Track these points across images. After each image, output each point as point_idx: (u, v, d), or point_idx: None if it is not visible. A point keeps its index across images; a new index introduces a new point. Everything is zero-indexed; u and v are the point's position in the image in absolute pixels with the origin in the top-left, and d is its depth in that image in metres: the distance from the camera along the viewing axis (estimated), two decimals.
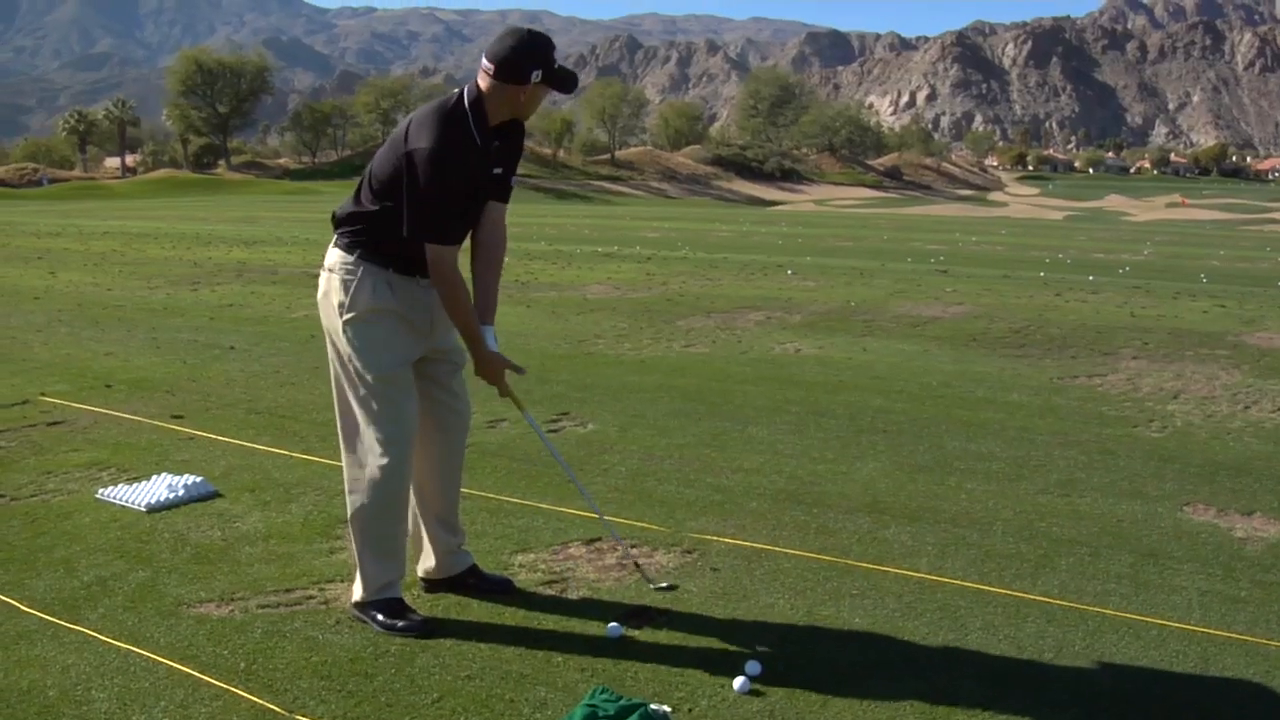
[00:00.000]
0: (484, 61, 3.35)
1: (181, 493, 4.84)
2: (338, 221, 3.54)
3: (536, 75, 3.31)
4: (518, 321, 10.90)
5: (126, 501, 4.76)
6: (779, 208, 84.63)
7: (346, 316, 3.43)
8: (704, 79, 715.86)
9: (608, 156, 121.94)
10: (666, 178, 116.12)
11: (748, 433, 6.33)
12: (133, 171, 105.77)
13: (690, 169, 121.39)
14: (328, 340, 3.56)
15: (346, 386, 3.50)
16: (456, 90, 3.41)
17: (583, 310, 12.06)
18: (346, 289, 3.44)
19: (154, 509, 4.69)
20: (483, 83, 3.35)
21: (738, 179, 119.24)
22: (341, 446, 3.56)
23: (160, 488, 4.87)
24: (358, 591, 3.56)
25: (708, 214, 57.87)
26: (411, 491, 3.69)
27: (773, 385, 7.82)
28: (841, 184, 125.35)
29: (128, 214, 41.59)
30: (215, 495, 4.94)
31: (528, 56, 3.30)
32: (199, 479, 5.02)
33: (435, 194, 3.24)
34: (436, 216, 3.27)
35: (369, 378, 3.43)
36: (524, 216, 40.23)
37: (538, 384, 7.64)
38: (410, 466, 3.55)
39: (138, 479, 5.11)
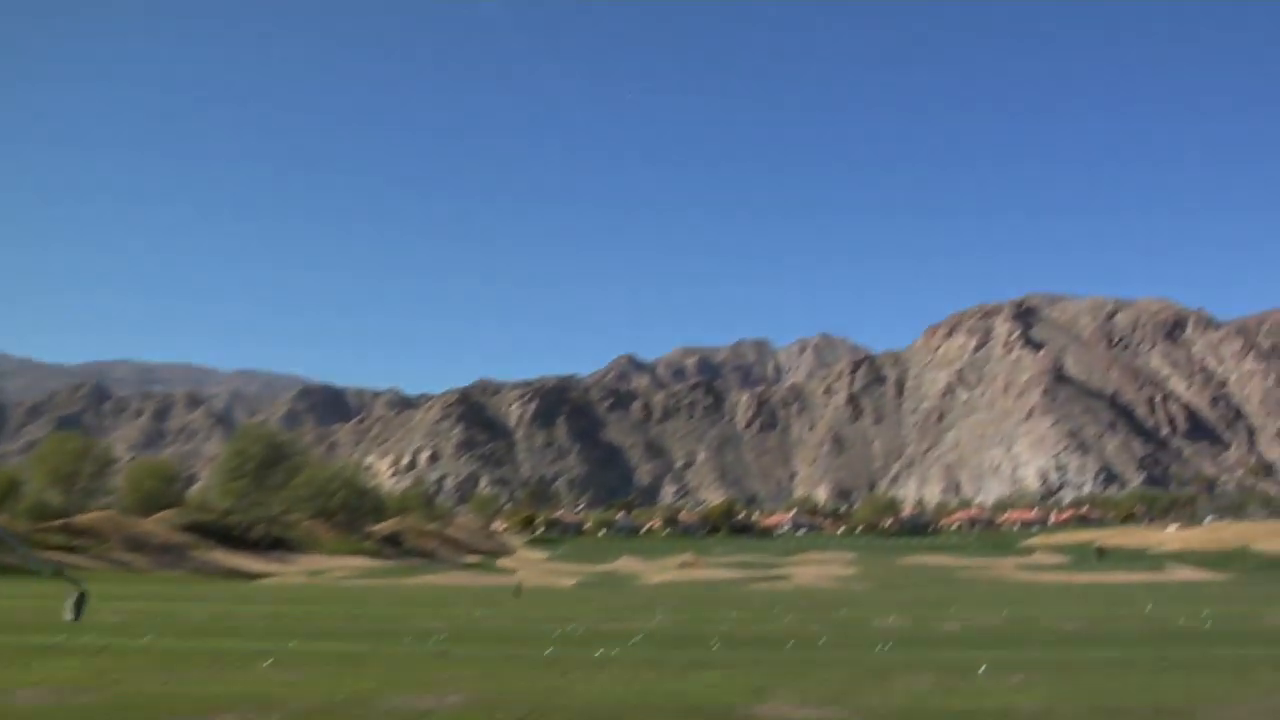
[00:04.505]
0: None
1: None
2: None
3: None
4: None
5: None
6: (265, 581, 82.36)
7: None
8: (183, 435, 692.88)
9: (62, 522, 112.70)
10: (134, 547, 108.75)
11: None
12: None
13: (163, 537, 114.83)
14: None
15: None
16: None
17: None
18: None
19: None
20: None
21: (219, 548, 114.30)
22: None
23: None
24: None
25: (182, 590, 54.89)
26: None
27: None
28: (337, 553, 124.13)
29: None
30: None
31: None
32: None
33: None
34: None
35: None
36: None
37: None
38: None
39: None
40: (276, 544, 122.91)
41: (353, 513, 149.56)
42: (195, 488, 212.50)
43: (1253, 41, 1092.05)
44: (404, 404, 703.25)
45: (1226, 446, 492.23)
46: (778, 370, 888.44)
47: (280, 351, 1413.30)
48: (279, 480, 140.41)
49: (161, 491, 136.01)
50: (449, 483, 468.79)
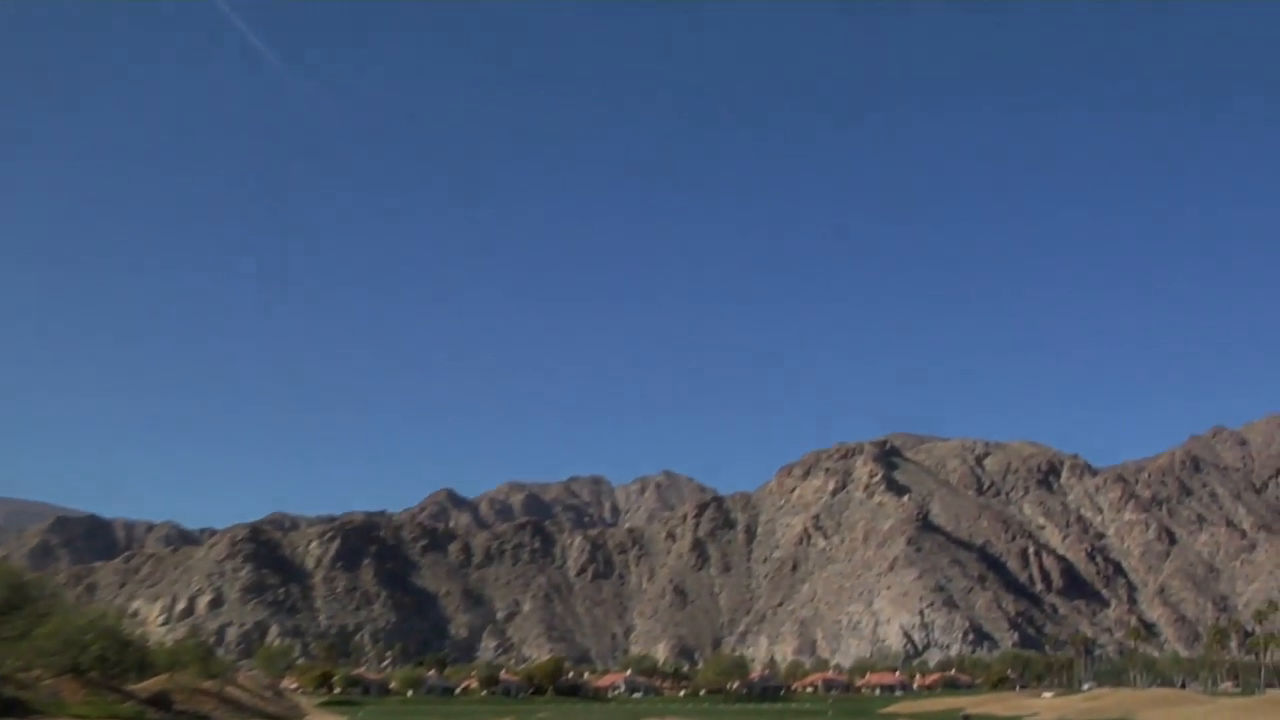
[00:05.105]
0: None
1: None
2: None
3: None
4: None
5: None
6: None
7: None
8: None
9: None
10: None
11: None
12: None
13: None
14: None
15: None
16: None
17: None
18: None
19: None
20: None
21: None
22: None
23: None
24: None
25: None
26: None
27: None
28: (87, 718, 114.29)
29: None
30: None
31: None
32: None
33: None
34: None
35: None
36: None
37: None
38: None
39: None
40: (9, 707, 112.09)
41: (111, 668, 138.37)
42: None
43: (1129, 183, 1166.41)
44: (182, 539, 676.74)
45: (1105, 604, 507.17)
46: (615, 511, 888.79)
47: (31, 475, 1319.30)
48: (18, 629, 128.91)
49: None
50: (232, 632, 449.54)
